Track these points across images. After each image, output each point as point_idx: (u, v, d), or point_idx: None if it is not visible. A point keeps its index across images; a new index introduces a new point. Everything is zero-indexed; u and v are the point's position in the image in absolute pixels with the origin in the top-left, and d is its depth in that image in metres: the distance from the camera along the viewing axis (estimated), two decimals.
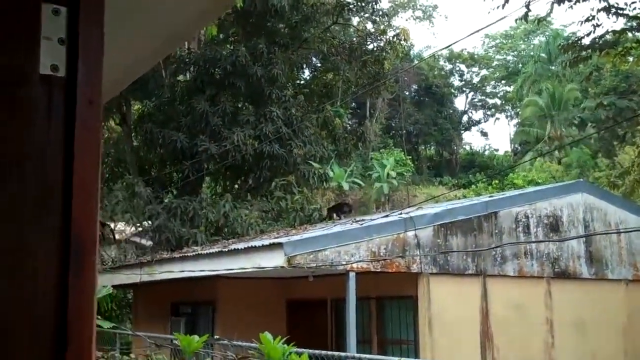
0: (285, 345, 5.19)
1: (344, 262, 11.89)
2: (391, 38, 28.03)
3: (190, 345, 5.71)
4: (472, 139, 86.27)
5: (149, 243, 22.63)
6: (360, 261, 12.00)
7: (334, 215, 20.15)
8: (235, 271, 12.82)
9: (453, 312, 12.97)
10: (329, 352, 9.64)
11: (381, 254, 12.30)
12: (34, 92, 1.40)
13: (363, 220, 15.40)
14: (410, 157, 58.98)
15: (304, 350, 7.12)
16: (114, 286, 16.60)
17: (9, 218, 1.35)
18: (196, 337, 5.76)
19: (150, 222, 21.66)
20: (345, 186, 50.44)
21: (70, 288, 1.36)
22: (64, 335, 1.34)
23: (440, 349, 12.53)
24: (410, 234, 12.63)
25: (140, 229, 22.74)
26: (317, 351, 9.02)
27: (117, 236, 23.61)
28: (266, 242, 12.70)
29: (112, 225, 22.54)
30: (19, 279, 1.33)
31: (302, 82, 30.48)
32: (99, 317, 9.38)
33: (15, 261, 1.33)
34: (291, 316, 16.21)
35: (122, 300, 23.74)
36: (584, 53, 18.67)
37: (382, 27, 31.42)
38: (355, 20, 31.60)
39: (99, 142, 1.46)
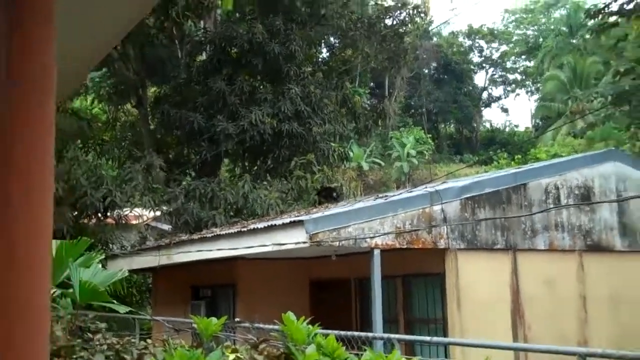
0: (310, 326, 4.79)
1: (368, 238, 11.43)
2: (411, 10, 27.46)
3: (208, 329, 5.39)
4: (492, 116, 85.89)
5: (169, 227, 22.32)
6: (385, 234, 11.53)
7: (322, 200, 19.65)
8: (255, 250, 12.42)
9: (482, 288, 12.49)
10: (356, 333, 9.20)
11: (407, 230, 11.84)
12: None
13: (386, 195, 14.95)
14: (430, 135, 58.46)
15: (330, 331, 6.72)
16: (133, 271, 16.31)
17: None
18: (214, 320, 5.42)
19: (168, 205, 21.33)
20: (365, 166, 50.12)
21: None
22: None
23: (470, 327, 12.07)
24: (437, 208, 12.14)
25: (158, 212, 22.42)
26: (343, 332, 8.60)
27: (136, 221, 23.31)
28: (287, 220, 12.27)
29: (129, 210, 22.25)
30: None
31: (320, 59, 29.98)
32: (115, 301, 8.99)
33: None
34: (314, 297, 15.82)
35: (142, 285, 23.45)
36: (612, 19, 18.08)
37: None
38: None
39: None
